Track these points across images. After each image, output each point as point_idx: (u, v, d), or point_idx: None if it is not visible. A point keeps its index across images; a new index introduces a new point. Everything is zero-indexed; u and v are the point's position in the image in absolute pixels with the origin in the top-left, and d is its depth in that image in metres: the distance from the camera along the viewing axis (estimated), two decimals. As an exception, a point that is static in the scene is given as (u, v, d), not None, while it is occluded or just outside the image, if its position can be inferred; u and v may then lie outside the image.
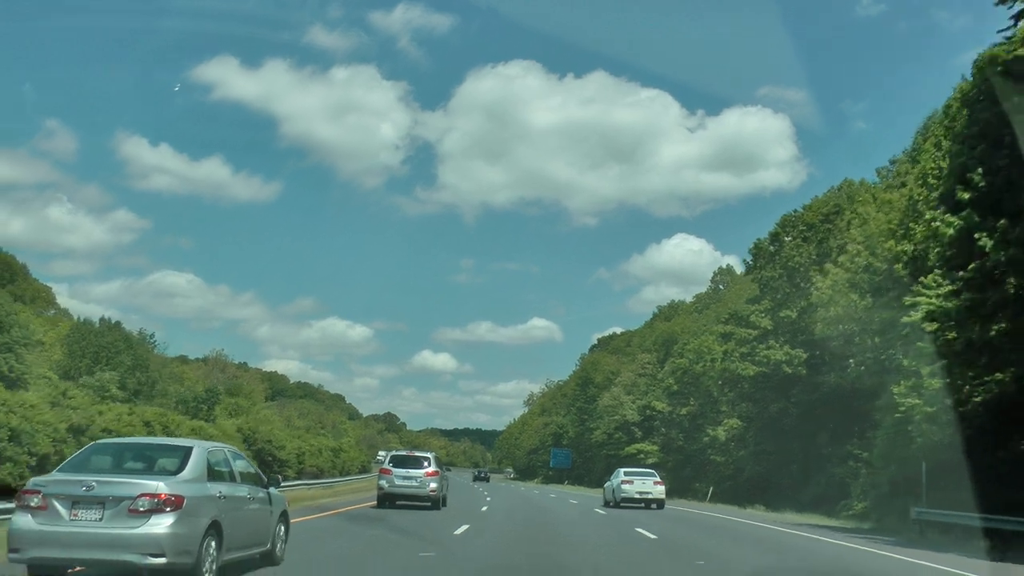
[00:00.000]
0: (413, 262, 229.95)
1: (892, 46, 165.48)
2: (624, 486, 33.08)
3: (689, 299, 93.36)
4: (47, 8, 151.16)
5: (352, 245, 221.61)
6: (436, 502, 24.75)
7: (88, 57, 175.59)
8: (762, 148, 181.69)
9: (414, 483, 24.47)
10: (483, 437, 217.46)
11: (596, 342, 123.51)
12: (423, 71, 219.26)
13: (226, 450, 10.93)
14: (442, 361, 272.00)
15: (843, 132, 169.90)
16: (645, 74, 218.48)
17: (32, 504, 8.56)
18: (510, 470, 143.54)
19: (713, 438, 52.39)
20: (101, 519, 8.47)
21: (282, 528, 11.60)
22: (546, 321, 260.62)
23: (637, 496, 32.71)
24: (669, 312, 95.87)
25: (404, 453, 27.87)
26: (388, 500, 24.50)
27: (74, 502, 8.52)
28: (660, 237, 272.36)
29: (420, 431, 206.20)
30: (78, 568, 9.14)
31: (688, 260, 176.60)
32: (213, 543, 9.19)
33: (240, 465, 10.92)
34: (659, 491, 33.21)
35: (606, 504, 34.18)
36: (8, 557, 8.70)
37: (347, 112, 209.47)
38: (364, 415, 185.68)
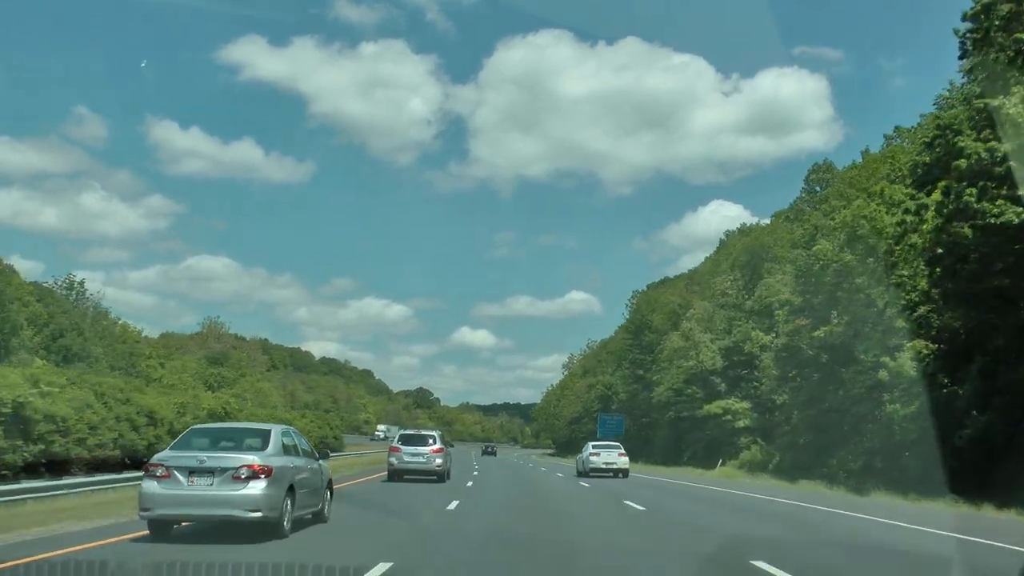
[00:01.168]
0: (449, 238, 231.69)
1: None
2: (592, 458, 36.87)
3: (765, 221, 70.35)
4: None
5: (387, 223, 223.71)
6: (441, 475, 26.92)
7: (114, 41, 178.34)
8: (798, 110, 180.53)
9: (421, 459, 26.72)
10: (522, 411, 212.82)
11: (646, 288, 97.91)
12: (452, 43, 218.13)
13: (292, 431, 13.75)
14: (480, 337, 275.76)
15: (880, 89, 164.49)
16: (678, 39, 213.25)
17: (158, 474, 11.32)
18: (549, 445, 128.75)
19: (876, 381, 30.89)
20: (212, 484, 11.18)
21: (328, 493, 14.24)
22: (584, 294, 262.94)
23: (603, 466, 36.22)
24: (737, 238, 71.13)
25: (412, 432, 30.19)
26: (397, 475, 26.84)
27: (190, 472, 11.23)
28: (696, 204, 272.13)
29: (455, 407, 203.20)
30: (183, 524, 12.05)
31: (725, 227, 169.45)
32: (289, 502, 11.85)
33: (302, 443, 13.75)
34: (623, 462, 36.67)
35: (578, 474, 37.34)
36: (140, 515, 11.46)
37: (377, 88, 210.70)
38: (395, 391, 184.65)
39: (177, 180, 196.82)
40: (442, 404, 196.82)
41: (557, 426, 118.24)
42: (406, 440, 27.88)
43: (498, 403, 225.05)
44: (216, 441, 12.33)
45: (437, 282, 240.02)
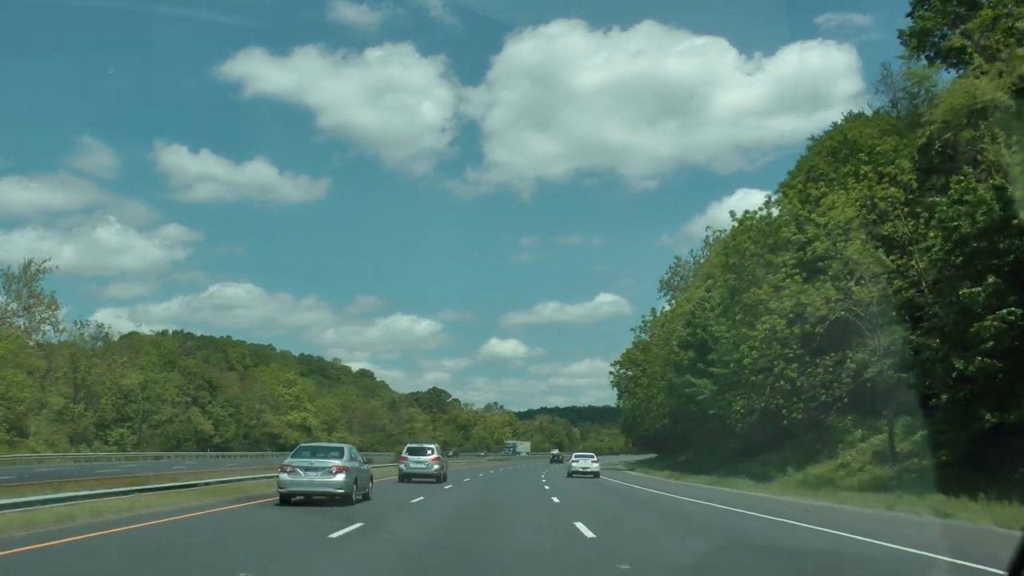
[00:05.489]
0: (472, 247, 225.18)
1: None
2: (573, 464, 48.93)
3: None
4: (61, 18, 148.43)
5: (408, 236, 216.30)
6: (439, 478, 34.11)
7: (111, 65, 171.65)
8: (827, 84, 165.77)
9: (422, 465, 34.42)
10: (562, 414, 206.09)
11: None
12: (460, 41, 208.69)
13: (353, 448, 23.40)
14: (511, 347, 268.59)
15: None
16: (695, 19, 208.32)
17: (287, 470, 20.42)
18: (630, 447, 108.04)
19: None
20: (317, 475, 19.94)
21: (371, 483, 23.32)
22: (613, 296, 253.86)
23: (581, 470, 47.02)
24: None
25: (416, 445, 38.08)
26: (406, 478, 33.99)
27: (305, 469, 20.29)
28: (721, 195, 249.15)
29: (479, 408, 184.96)
30: (300, 497, 21.03)
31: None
32: (355, 486, 20.77)
33: (358, 455, 23.05)
34: (596, 467, 47.76)
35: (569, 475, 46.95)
36: (278, 491, 20.35)
37: (386, 96, 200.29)
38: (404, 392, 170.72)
39: (192, 207, 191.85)
40: (463, 404, 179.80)
41: (645, 423, 78.72)
42: (411, 452, 35.85)
43: (534, 408, 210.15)
44: (315, 452, 21.74)
45: (464, 293, 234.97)
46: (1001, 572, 8.51)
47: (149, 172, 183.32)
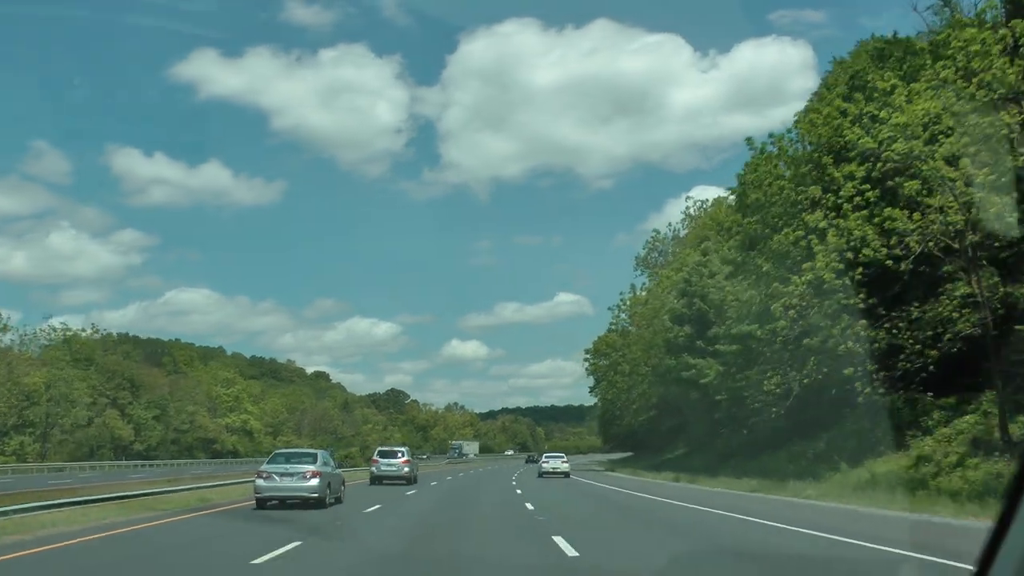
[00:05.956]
0: (430, 249, 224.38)
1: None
2: (544, 465, 49.72)
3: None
4: (9, 23, 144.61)
5: (365, 238, 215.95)
6: (409, 479, 35.81)
7: (60, 68, 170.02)
8: (782, 80, 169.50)
9: (393, 468, 35.86)
10: (523, 415, 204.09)
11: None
12: (414, 41, 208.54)
13: (326, 453, 24.25)
14: (471, 349, 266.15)
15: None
16: (650, 16, 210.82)
17: (264, 475, 20.78)
18: (600, 446, 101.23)
19: None
20: (292, 480, 20.41)
21: (343, 486, 24.13)
22: (572, 295, 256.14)
23: (551, 470, 47.82)
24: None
25: (387, 448, 39.52)
26: (378, 480, 35.28)
27: (280, 475, 20.79)
28: (679, 191, 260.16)
29: (439, 409, 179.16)
30: (275, 502, 21.06)
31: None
32: (328, 490, 21.09)
33: (331, 459, 23.95)
34: (566, 467, 48.60)
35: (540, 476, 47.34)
36: (255, 496, 20.70)
37: (341, 96, 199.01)
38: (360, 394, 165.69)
39: (147, 211, 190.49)
40: (421, 405, 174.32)
41: (624, 419, 74.18)
42: (382, 455, 37.27)
43: (495, 409, 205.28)
44: (290, 458, 22.30)
45: (423, 295, 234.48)
46: None
47: (103, 176, 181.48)
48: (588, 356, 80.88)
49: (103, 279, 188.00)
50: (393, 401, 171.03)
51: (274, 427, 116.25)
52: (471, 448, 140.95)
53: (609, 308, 71.45)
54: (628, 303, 70.05)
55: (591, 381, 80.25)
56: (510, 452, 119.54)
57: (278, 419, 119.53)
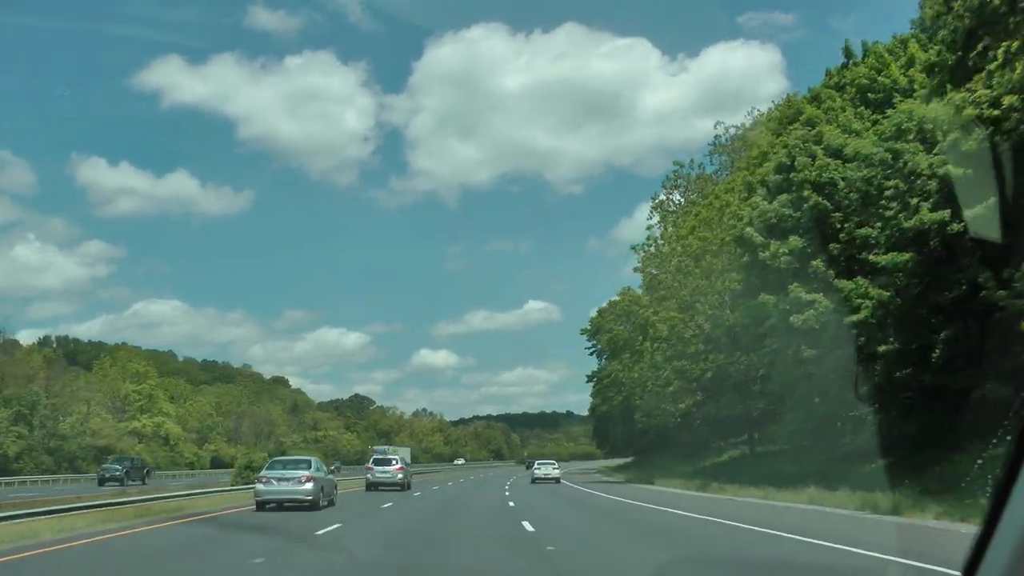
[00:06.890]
0: (399, 257, 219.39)
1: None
2: (536, 471, 52.66)
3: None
4: None
5: (334, 248, 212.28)
6: (403, 485, 37.89)
7: (24, 78, 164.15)
8: (751, 83, 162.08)
9: (388, 475, 38.09)
10: (498, 421, 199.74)
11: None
12: (380, 47, 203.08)
13: (319, 460, 27.00)
14: (442, 358, 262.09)
15: (833, 52, 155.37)
16: (618, 20, 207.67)
17: (263, 480, 23.77)
18: (592, 452, 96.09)
19: None
20: (288, 484, 23.11)
21: (335, 490, 27.11)
22: (543, 303, 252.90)
23: (543, 476, 50.84)
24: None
25: (382, 456, 41.33)
26: (373, 487, 37.26)
27: (278, 479, 23.56)
28: (649, 197, 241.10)
29: (409, 416, 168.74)
30: (272, 504, 24.05)
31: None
32: (322, 494, 23.74)
33: (323, 466, 26.75)
34: (557, 473, 52.34)
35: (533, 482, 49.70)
36: (255, 499, 23.52)
37: (308, 104, 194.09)
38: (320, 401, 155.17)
39: (113, 222, 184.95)
40: (385, 409, 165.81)
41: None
42: (377, 463, 39.93)
43: (466, 418, 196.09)
44: (286, 464, 25.10)
45: (392, 305, 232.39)
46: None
47: (68, 187, 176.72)
48: (587, 332, 75.44)
49: (70, 291, 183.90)
50: (357, 407, 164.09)
51: (200, 432, 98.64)
52: (402, 453, 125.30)
53: (632, 247, 50.91)
54: (655, 246, 52.65)
55: (582, 377, 69.31)
56: (461, 461, 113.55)
57: (205, 423, 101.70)
